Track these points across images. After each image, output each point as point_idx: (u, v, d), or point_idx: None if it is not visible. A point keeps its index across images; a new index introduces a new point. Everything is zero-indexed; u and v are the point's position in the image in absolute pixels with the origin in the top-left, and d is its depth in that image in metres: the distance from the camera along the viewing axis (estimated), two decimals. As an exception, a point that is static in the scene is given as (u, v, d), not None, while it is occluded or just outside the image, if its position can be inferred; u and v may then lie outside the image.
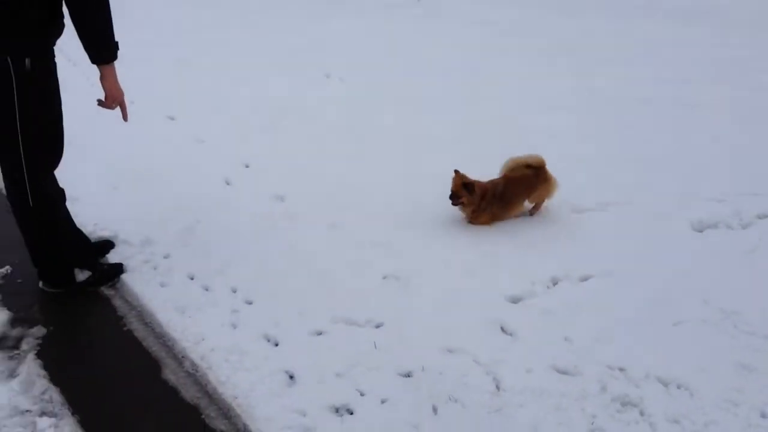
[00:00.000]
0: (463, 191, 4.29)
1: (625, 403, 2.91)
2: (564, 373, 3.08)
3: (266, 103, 6.79)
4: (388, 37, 10.05)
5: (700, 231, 4.38)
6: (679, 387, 2.99)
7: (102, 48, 3.19)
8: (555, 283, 3.79)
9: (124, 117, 3.48)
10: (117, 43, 3.21)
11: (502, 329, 3.40)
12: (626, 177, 5.14)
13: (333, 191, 4.82)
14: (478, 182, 4.35)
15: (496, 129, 6.19)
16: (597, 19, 11.43)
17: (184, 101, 6.70)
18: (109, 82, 3.29)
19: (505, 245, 4.16)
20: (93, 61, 3.21)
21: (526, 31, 10.64)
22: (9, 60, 2.95)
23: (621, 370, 3.08)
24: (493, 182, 4.41)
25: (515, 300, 3.64)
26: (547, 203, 4.59)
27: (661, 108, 6.90)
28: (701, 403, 2.89)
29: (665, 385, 3.01)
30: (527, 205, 4.56)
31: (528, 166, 4.43)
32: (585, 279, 3.83)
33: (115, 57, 3.24)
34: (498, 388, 2.98)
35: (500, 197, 4.36)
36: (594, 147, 5.77)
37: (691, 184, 5.01)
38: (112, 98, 3.34)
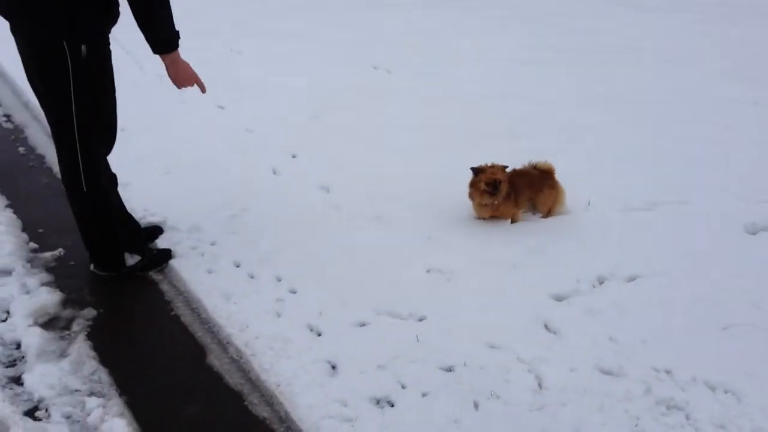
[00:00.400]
0: (504, 186, 4.19)
1: (671, 407, 2.85)
2: (608, 373, 3.04)
3: (314, 94, 6.83)
4: (437, 30, 10.00)
5: (754, 234, 4.26)
6: (726, 392, 2.92)
7: (163, 39, 3.24)
8: (601, 282, 3.74)
9: (202, 90, 3.54)
10: (177, 32, 3.26)
11: (546, 327, 3.36)
12: (679, 177, 5.02)
13: (379, 183, 4.82)
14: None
15: (544, 124, 6.12)
16: (667, 18, 11.14)
17: (234, 91, 6.77)
18: (172, 70, 3.35)
19: (551, 242, 4.11)
20: (155, 52, 3.27)
21: (580, 26, 10.47)
22: (66, 46, 3.02)
23: (667, 372, 3.02)
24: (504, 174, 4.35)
25: (560, 298, 3.60)
26: (559, 211, 4.47)
27: (719, 107, 6.72)
28: (749, 409, 2.82)
29: (712, 389, 2.94)
30: (531, 209, 4.50)
31: (535, 167, 4.42)
32: (632, 279, 3.76)
33: (175, 47, 3.29)
34: (540, 386, 2.96)
35: (511, 187, 4.30)
36: (646, 144, 5.66)
37: (746, 185, 4.87)
38: (182, 83, 3.41)
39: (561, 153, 5.40)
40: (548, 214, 4.46)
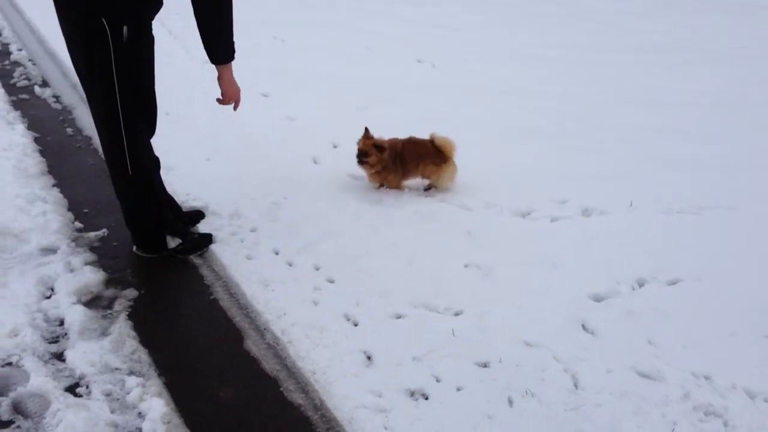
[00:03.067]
0: (373, 150, 4.35)
1: (709, 413, 2.81)
2: (646, 376, 3.00)
3: (356, 85, 6.84)
4: (482, 25, 9.94)
5: (802, 242, 4.17)
6: (766, 400, 2.87)
7: (220, 49, 3.29)
8: (641, 285, 3.69)
9: (235, 108, 3.62)
10: (234, 43, 3.29)
11: (584, 327, 3.33)
12: (729, 181, 4.94)
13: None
14: (388, 140, 4.42)
15: (588, 123, 6.05)
16: (716, 18, 10.90)
17: (278, 79, 6.82)
18: (225, 81, 3.41)
19: (591, 242, 4.07)
20: (211, 61, 3.31)
21: (627, 25, 10.31)
22: (105, 24, 3.02)
23: (706, 378, 2.98)
24: (393, 141, 4.46)
25: (598, 298, 3.56)
26: (445, 187, 4.56)
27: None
28: (789, 419, 2.77)
29: (752, 397, 2.89)
30: (422, 180, 4.60)
31: (432, 140, 4.47)
32: (673, 283, 3.71)
33: (231, 58, 3.34)
34: (576, 386, 2.93)
35: (399, 158, 4.44)
36: (694, 147, 5.57)
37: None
38: (229, 97, 3.48)
39: (605, 152, 5.37)
40: (430, 186, 4.54)
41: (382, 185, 4.56)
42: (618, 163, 5.21)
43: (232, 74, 3.43)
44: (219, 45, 3.29)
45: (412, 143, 4.49)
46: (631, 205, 4.50)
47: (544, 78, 7.50)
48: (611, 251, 3.98)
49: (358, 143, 4.45)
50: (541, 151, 5.42)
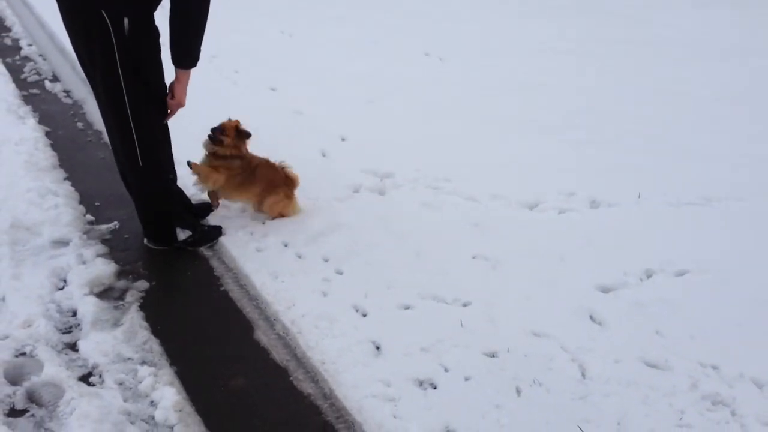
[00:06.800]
0: (233, 134, 3.88)
1: (716, 402, 2.83)
2: (653, 366, 3.02)
3: (363, 79, 6.85)
4: (490, 18, 9.92)
5: (810, 233, 4.17)
6: (774, 390, 2.89)
7: (186, 54, 3.29)
8: (649, 276, 3.70)
9: (167, 118, 3.57)
10: (200, 51, 3.31)
11: (591, 318, 3.35)
12: (737, 173, 4.94)
13: (427, 169, 4.82)
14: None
15: (600, 116, 6.05)
16: (734, 12, 10.82)
17: (285, 73, 6.83)
18: (182, 85, 3.40)
19: (598, 234, 4.08)
20: (174, 63, 3.31)
21: (642, 18, 10.26)
22: (105, 16, 3.02)
23: (714, 368, 3.00)
24: (254, 156, 4.05)
25: (606, 290, 3.57)
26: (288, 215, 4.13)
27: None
28: (797, 408, 2.78)
29: (760, 387, 2.92)
30: (255, 205, 4.12)
31: (283, 169, 4.09)
32: (681, 274, 3.72)
33: (194, 65, 3.34)
34: (584, 375, 2.96)
35: (251, 171, 3.98)
36: (704, 140, 5.57)
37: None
38: (178, 103, 3.46)
39: (613, 144, 5.37)
40: (275, 217, 4.10)
41: (208, 182, 3.97)
42: (626, 155, 5.21)
43: (188, 81, 3.43)
44: (188, 50, 3.29)
45: (268, 167, 4.06)
46: (639, 197, 4.51)
47: (552, 70, 7.48)
48: (619, 243, 3.99)
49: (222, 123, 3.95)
50: (549, 143, 5.42)
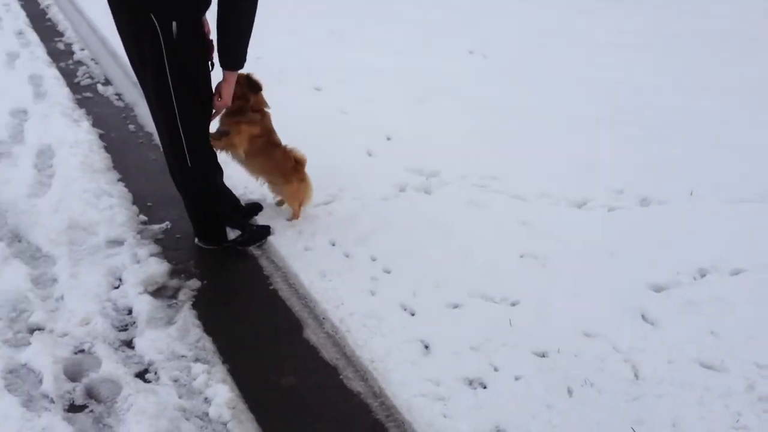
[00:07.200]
0: (246, 84, 3.69)
1: (774, 404, 2.76)
2: (708, 367, 2.97)
3: (408, 77, 6.85)
4: (531, 12, 9.83)
5: None
6: (834, 392, 2.81)
7: (234, 55, 3.30)
8: (703, 275, 3.63)
9: (213, 118, 3.57)
10: (247, 53, 3.32)
11: (643, 317, 3.30)
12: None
13: (474, 167, 4.81)
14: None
15: (648, 110, 5.96)
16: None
17: (330, 73, 6.88)
18: (229, 87, 3.41)
19: (650, 231, 4.02)
20: (221, 65, 3.33)
21: (690, 10, 10.05)
22: (154, 19, 3.04)
23: (771, 369, 2.93)
24: (271, 128, 3.92)
25: (658, 289, 3.52)
26: (300, 207, 4.13)
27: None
28: None
29: (819, 389, 2.84)
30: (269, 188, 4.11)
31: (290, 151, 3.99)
32: (736, 273, 3.64)
33: (241, 67, 3.36)
34: (636, 376, 2.92)
35: (273, 141, 3.90)
36: (760, 135, 5.43)
37: None
38: (225, 103, 3.47)
39: (664, 140, 5.28)
40: (298, 208, 4.10)
41: (224, 136, 3.75)
42: (678, 150, 5.12)
43: (235, 82, 3.45)
44: (242, 50, 3.30)
45: (284, 151, 3.98)
46: (691, 194, 4.42)
47: (601, 65, 7.39)
48: (671, 241, 3.92)
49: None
50: (598, 139, 5.35)
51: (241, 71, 3.56)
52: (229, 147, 3.80)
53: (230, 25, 3.23)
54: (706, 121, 5.73)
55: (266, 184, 4.13)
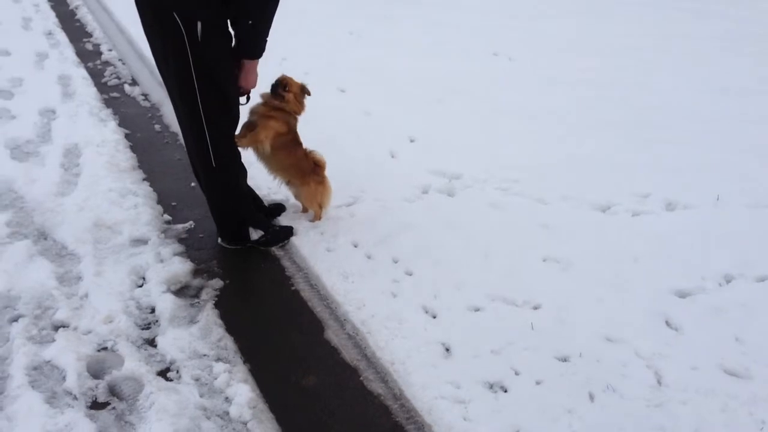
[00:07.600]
0: (299, 91, 3.81)
1: (801, 414, 2.72)
2: (733, 374, 2.93)
3: (432, 79, 6.85)
4: (557, 16, 9.77)
5: None
6: None
7: (261, 47, 3.32)
8: (728, 281, 3.59)
9: (247, 99, 3.63)
10: (266, 43, 3.33)
11: (667, 323, 3.27)
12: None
13: (496, 170, 4.79)
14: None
15: (672, 114, 5.90)
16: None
17: (354, 74, 6.90)
18: (252, 75, 3.44)
19: (674, 237, 3.98)
20: (245, 56, 3.34)
21: (711, 12, 9.94)
22: (178, 19, 3.06)
23: (798, 378, 2.89)
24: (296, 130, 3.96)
25: (683, 294, 3.48)
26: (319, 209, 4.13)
27: None
28: None
29: None
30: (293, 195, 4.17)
31: (310, 154, 4.03)
32: (762, 279, 3.60)
33: (260, 55, 3.37)
34: (659, 382, 2.89)
35: (297, 141, 3.95)
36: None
37: None
38: (246, 89, 3.52)
39: (690, 143, 5.22)
40: (318, 209, 4.13)
41: (249, 130, 3.76)
42: (704, 154, 5.06)
43: (257, 68, 3.45)
44: (261, 41, 3.30)
45: (305, 154, 4.02)
46: (717, 199, 4.37)
47: (624, 67, 7.33)
48: (696, 246, 3.88)
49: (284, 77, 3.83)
50: (622, 142, 5.31)
51: (286, 76, 3.69)
52: (255, 142, 3.80)
53: (257, 16, 3.23)
54: (733, 126, 5.65)
55: (285, 185, 4.14)
